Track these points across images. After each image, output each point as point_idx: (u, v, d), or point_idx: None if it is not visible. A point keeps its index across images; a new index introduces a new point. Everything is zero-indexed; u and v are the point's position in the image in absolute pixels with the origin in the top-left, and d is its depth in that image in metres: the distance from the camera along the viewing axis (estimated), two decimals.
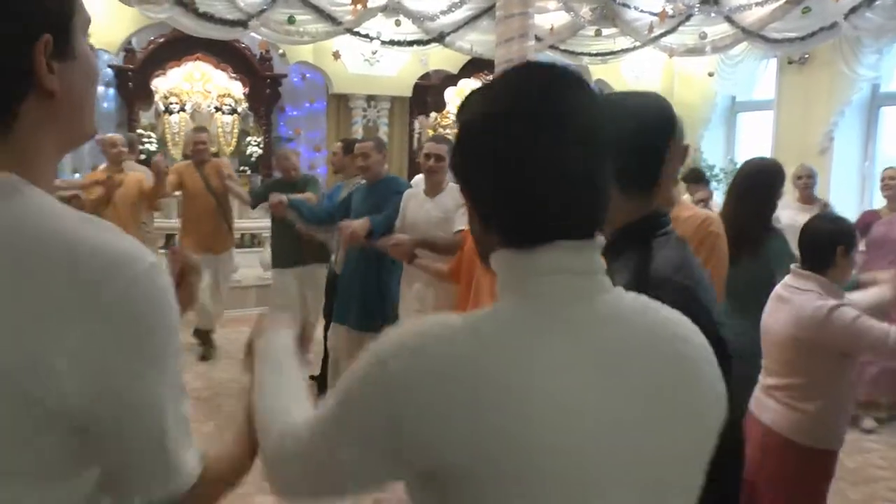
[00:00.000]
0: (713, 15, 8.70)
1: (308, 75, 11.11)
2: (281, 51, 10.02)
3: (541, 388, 0.92)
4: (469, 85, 10.99)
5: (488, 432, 0.89)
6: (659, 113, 1.59)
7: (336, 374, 4.85)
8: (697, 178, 6.86)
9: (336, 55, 9.13)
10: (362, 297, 4.78)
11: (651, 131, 1.55)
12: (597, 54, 9.40)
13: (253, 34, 8.57)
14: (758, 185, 3.57)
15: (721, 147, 10.89)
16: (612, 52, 9.35)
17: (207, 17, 7.85)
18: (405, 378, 0.93)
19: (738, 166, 4.18)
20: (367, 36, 8.81)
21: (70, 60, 0.99)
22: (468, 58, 9.75)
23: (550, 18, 8.77)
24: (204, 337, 6.84)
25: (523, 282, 1.00)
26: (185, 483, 1.02)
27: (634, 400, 0.96)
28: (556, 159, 0.97)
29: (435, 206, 4.46)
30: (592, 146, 1.00)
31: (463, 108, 1.08)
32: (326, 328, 5.50)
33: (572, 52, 9.29)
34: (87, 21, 1.03)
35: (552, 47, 9.11)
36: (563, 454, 0.91)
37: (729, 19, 8.84)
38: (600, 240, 1.03)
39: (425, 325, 0.97)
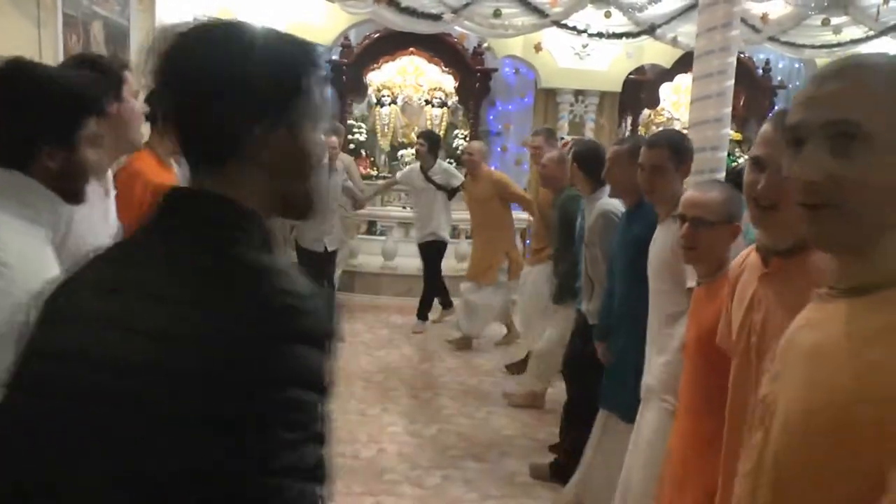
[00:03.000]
0: None
1: (521, 70, 11.03)
2: (486, 44, 10.02)
3: None
4: (685, 81, 10.49)
5: None
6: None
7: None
8: None
9: (538, 48, 8.99)
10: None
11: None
12: (822, 46, 8.63)
13: (457, 27, 8.60)
14: None
15: None
16: (839, 45, 8.54)
17: (410, 12, 7.97)
18: None
19: None
20: (574, 28, 8.61)
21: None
22: (682, 52, 9.28)
23: (766, 7, 8.16)
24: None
25: None
26: None
27: None
28: None
29: (665, 238, 3.11)
30: None
31: None
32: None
33: (793, 45, 8.60)
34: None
35: (772, 39, 8.48)
36: None
37: None
38: None
39: None
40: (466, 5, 8.18)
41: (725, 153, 6.14)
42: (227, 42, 1.06)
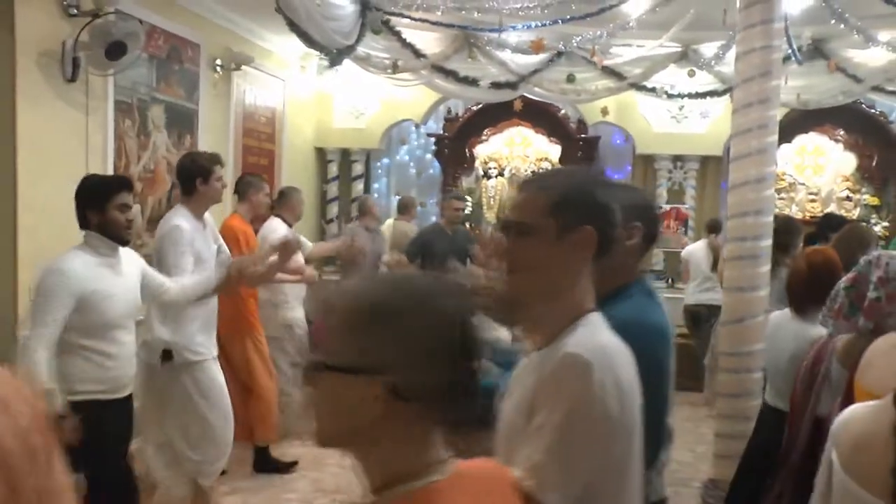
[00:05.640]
0: None
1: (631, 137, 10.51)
2: (562, 111, 9.64)
3: None
4: (808, 141, 9.43)
5: None
6: None
7: None
8: None
9: (604, 111, 8.52)
10: None
11: None
12: None
13: (525, 94, 8.33)
14: None
15: None
16: None
17: (469, 81, 7.79)
18: None
19: None
20: (653, 90, 8.10)
21: None
22: (788, 110, 8.40)
23: (865, 56, 7.28)
24: None
25: None
26: None
27: None
28: None
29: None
30: None
31: None
32: None
33: None
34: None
35: (877, 89, 7.55)
36: None
37: None
38: None
39: None
40: (535, 72, 7.91)
41: (771, 217, 5.48)
42: None
